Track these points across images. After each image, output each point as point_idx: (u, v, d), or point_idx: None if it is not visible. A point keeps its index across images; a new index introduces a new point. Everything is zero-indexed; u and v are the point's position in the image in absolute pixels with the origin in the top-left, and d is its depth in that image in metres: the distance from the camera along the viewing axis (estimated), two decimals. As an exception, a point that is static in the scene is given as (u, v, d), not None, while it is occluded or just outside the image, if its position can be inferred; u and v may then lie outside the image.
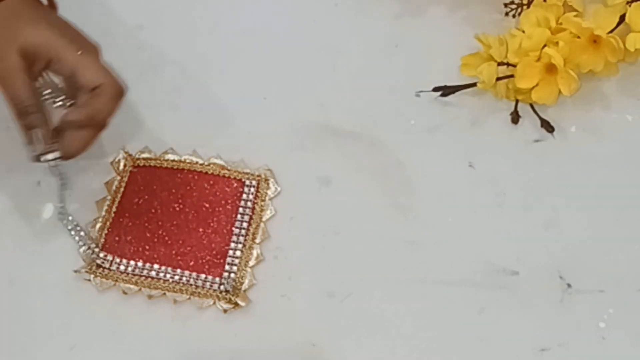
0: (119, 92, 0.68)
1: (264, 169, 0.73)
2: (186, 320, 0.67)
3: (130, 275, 0.69)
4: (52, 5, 0.75)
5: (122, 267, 0.69)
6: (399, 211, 0.71)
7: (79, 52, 0.67)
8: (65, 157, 0.68)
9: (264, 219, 0.71)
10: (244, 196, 0.72)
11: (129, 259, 0.69)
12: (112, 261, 0.69)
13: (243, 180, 0.72)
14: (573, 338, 0.66)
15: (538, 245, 0.69)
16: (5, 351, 0.67)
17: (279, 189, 0.72)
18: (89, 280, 0.69)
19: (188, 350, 0.67)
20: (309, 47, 0.80)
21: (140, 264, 0.69)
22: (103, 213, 0.72)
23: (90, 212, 0.72)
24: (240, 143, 0.75)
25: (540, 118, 0.74)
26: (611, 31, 0.73)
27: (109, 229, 0.71)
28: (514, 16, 0.79)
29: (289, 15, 0.83)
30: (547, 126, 0.74)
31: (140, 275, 0.69)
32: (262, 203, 0.72)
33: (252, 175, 0.73)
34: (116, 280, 0.69)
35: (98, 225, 0.71)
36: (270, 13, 0.83)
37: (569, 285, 0.67)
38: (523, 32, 0.74)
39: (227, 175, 0.73)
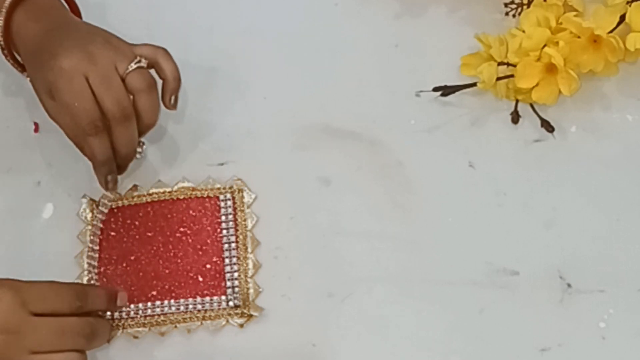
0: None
1: (234, 180, 0.72)
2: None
3: (135, 319, 0.67)
4: (76, 12, 0.75)
5: (124, 314, 0.67)
6: (399, 211, 0.71)
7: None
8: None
9: (249, 228, 0.70)
10: (223, 211, 0.71)
11: (128, 304, 0.68)
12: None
13: (217, 195, 0.72)
14: (573, 338, 0.66)
15: (538, 245, 0.69)
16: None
17: (253, 195, 0.72)
18: None
19: (188, 350, 0.67)
20: (309, 47, 0.80)
21: (141, 305, 0.68)
22: (85, 266, 0.70)
23: (71, 268, 0.70)
24: (240, 143, 0.75)
25: (540, 118, 0.74)
26: (611, 31, 0.73)
27: (97, 281, 0.69)
28: (514, 16, 0.79)
29: (289, 15, 0.83)
30: (547, 126, 0.74)
31: (146, 316, 0.67)
32: (242, 213, 0.71)
33: (224, 189, 0.72)
34: (123, 328, 0.67)
35: (85, 279, 0.69)
36: (270, 13, 0.83)
37: (569, 285, 0.67)
38: (523, 32, 0.74)
39: (199, 196, 0.72)
